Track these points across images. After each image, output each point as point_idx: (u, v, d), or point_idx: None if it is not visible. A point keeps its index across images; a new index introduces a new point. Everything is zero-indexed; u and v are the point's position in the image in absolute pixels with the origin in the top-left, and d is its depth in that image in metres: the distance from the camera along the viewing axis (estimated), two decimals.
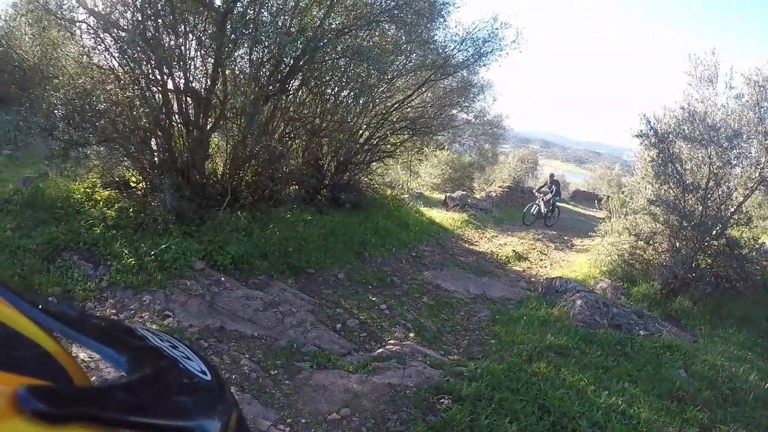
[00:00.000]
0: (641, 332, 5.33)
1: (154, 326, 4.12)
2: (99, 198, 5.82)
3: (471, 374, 3.87)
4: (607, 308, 5.72)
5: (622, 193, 11.39)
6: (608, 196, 17.92)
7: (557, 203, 14.61)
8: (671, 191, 7.78)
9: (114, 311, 4.38)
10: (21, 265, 4.51)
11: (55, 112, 5.31)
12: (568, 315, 5.59)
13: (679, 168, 7.62)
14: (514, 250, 9.69)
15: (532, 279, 8.15)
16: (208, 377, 0.53)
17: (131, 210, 5.63)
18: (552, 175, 14.71)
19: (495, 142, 23.11)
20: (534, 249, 10.34)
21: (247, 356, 4.08)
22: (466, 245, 9.38)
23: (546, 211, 13.87)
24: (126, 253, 4.98)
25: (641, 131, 7.93)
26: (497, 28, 8.03)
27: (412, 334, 5.10)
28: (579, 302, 5.73)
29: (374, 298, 5.90)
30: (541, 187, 14.88)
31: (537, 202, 13.88)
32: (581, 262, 9.56)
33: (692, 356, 4.83)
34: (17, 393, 0.33)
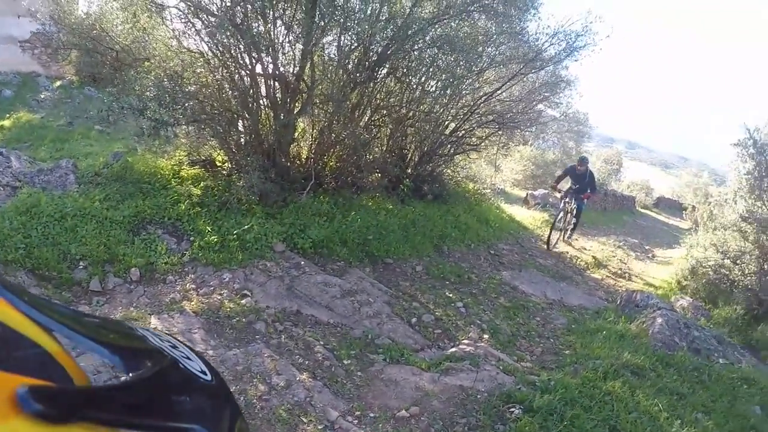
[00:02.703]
0: (720, 360, 5.14)
1: (231, 305, 4.22)
2: (185, 175, 6.04)
3: (544, 385, 3.81)
4: (688, 330, 5.50)
5: (709, 203, 10.62)
6: (693, 206, 16.97)
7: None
8: (765, 207, 7.21)
9: (194, 287, 4.51)
10: (107, 235, 4.71)
11: (147, 93, 5.54)
12: (646, 333, 5.43)
13: None
14: (594, 257, 9.35)
15: (611, 289, 7.78)
16: (209, 377, 0.54)
17: (216, 188, 5.81)
18: (584, 159, 9.35)
19: (579, 140, 22.01)
20: (614, 257, 9.98)
21: (322, 343, 4.10)
22: (546, 246, 9.06)
23: (569, 220, 9.48)
24: (209, 230, 5.14)
25: (739, 140, 7.55)
26: (591, 22, 7.64)
27: (486, 336, 4.98)
28: (659, 320, 5.53)
29: (451, 295, 5.80)
30: (561, 177, 9.82)
31: (562, 206, 9.23)
32: (662, 276, 9.18)
33: None
34: (17, 393, 0.33)
